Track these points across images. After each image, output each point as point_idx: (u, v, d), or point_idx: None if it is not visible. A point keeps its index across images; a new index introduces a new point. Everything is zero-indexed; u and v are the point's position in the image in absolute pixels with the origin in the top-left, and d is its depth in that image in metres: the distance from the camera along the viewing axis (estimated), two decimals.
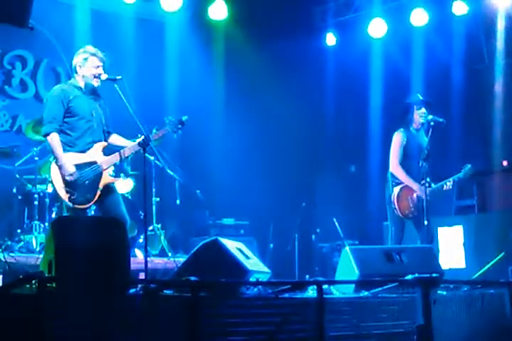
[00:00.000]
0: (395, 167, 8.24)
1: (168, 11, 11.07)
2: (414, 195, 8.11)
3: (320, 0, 12.24)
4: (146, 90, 10.08)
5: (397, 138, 8.32)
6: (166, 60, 11.15)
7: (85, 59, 6.88)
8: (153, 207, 9.59)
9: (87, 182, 6.69)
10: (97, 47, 7.01)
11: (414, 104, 8.37)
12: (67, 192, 6.62)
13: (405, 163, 8.23)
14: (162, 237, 9.42)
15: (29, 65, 10.65)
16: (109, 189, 6.84)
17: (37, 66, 10.70)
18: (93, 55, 6.89)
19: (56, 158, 6.68)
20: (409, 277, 6.16)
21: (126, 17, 10.93)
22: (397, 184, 8.20)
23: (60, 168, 6.64)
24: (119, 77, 6.79)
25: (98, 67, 6.89)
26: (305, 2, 11.99)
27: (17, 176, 8.99)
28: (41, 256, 6.26)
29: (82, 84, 6.91)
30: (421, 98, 8.47)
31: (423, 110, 8.31)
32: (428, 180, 8.02)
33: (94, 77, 6.87)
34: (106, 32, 10.43)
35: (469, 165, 8.22)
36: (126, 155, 7.03)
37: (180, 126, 6.90)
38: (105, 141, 6.94)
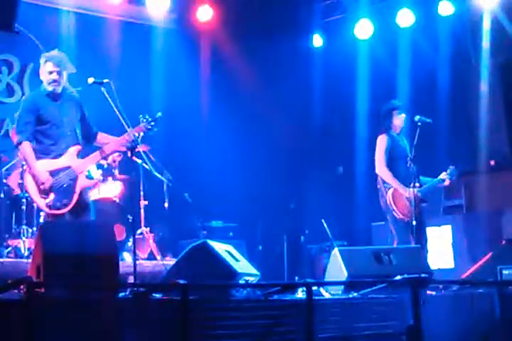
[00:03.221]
0: (381, 169, 8.24)
1: (154, 14, 11.07)
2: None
3: (307, 1, 12.24)
4: (132, 93, 10.04)
5: (382, 142, 8.33)
6: (152, 62, 11.13)
7: (43, 64, 6.79)
8: (142, 211, 9.57)
9: (62, 187, 6.67)
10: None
11: (393, 110, 8.40)
12: (42, 198, 6.61)
13: (392, 164, 8.24)
14: (151, 240, 9.40)
15: (15, 70, 10.61)
16: (84, 193, 6.82)
17: (23, 70, 10.65)
18: (48, 60, 6.77)
19: (29, 167, 6.66)
20: (398, 277, 6.18)
21: (112, 20, 10.92)
22: (390, 188, 8.20)
23: (34, 176, 6.62)
24: (106, 81, 6.76)
25: (51, 72, 6.75)
26: (291, 3, 11.98)
27: (4, 181, 8.95)
28: (29, 260, 6.23)
29: (50, 90, 6.82)
30: (399, 103, 8.50)
31: (403, 115, 8.38)
32: (417, 183, 8.05)
33: (48, 83, 6.77)
34: (92, 35, 10.41)
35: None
36: (108, 153, 7.00)
37: (153, 124, 6.84)
38: (80, 144, 6.87)
